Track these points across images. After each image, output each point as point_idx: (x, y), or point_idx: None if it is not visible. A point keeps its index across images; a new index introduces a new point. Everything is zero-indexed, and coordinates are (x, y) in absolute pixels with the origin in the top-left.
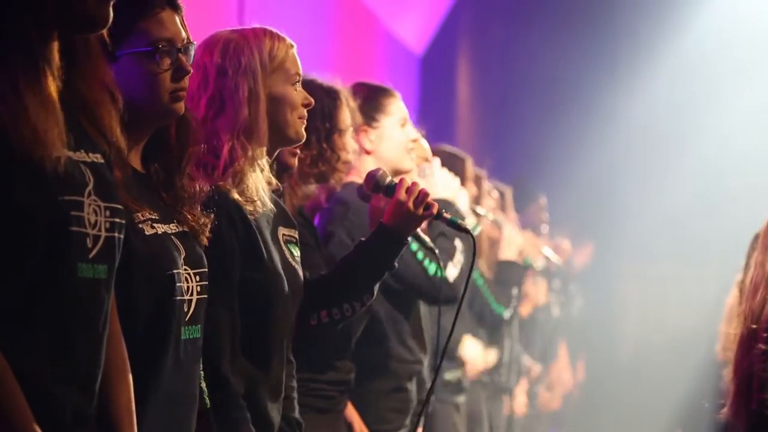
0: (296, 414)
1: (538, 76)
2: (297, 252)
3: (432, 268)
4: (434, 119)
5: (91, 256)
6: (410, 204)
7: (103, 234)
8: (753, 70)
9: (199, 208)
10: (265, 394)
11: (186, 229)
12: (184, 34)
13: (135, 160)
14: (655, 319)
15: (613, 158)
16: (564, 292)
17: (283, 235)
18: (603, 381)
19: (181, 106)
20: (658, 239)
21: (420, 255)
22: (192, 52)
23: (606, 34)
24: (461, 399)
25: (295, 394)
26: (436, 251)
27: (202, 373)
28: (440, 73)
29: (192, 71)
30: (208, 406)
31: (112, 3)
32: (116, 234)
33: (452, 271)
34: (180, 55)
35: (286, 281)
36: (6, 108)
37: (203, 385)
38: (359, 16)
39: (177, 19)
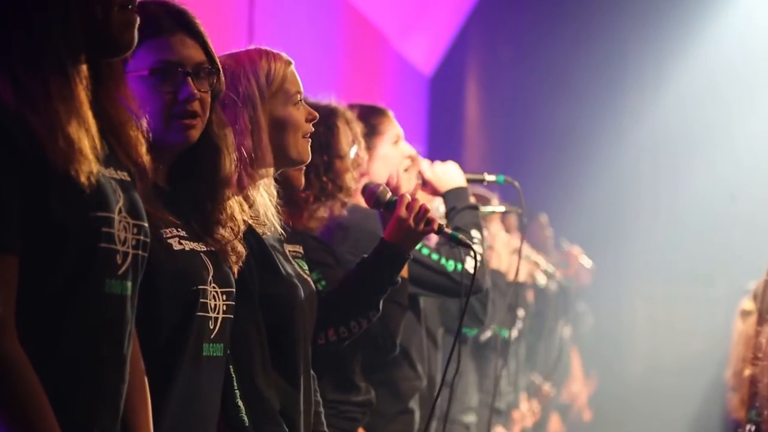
0: (324, 428)
1: (547, 97)
2: (305, 266)
3: (450, 265)
4: (443, 140)
5: (120, 272)
6: (411, 221)
7: (131, 251)
8: (760, 91)
9: (228, 233)
10: (298, 408)
11: (214, 249)
12: (200, 58)
13: (161, 178)
14: (664, 339)
15: (623, 179)
16: (573, 310)
17: (290, 251)
18: (612, 400)
19: (191, 133)
20: (668, 260)
21: (435, 256)
22: (213, 78)
23: (614, 55)
24: (471, 419)
25: (322, 409)
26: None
27: (237, 391)
28: (449, 94)
29: (199, 96)
30: (246, 424)
31: (136, 29)
32: (141, 252)
33: (472, 263)
34: (188, 78)
35: (302, 290)
36: (40, 120)
37: (240, 403)
38: (369, 37)
39: (192, 42)
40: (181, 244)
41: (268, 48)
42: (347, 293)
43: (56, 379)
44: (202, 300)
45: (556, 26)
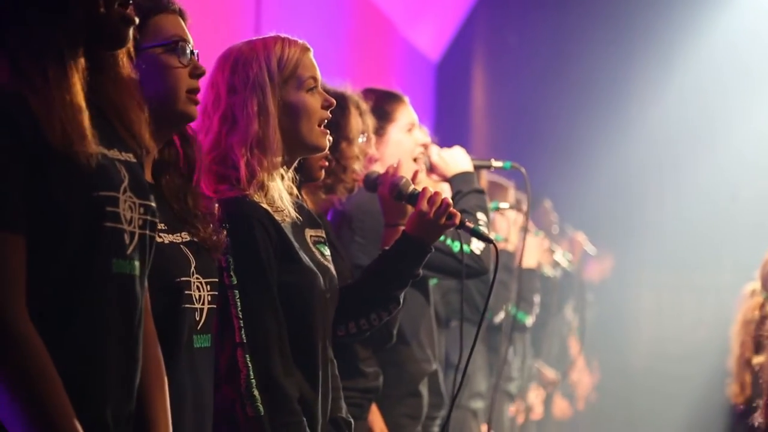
0: (344, 413)
1: (553, 84)
2: (327, 251)
3: (456, 246)
4: (450, 126)
5: (128, 252)
6: (432, 215)
7: (137, 231)
8: (764, 82)
9: (211, 226)
10: (316, 394)
11: (197, 240)
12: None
13: (146, 171)
14: (670, 328)
15: (629, 166)
16: (580, 298)
17: (311, 236)
18: (617, 389)
19: (195, 110)
20: (674, 249)
21: (441, 236)
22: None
23: (621, 43)
24: (479, 405)
25: (341, 394)
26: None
27: (253, 381)
28: (456, 81)
29: (205, 72)
30: (261, 414)
31: (131, 27)
32: (148, 232)
33: (477, 245)
34: (194, 56)
35: (321, 279)
36: (41, 103)
37: (255, 392)
38: (376, 23)
39: (185, 26)
40: (160, 237)
41: (286, 35)
42: (369, 286)
43: (68, 360)
44: (186, 292)
45: (563, 12)
